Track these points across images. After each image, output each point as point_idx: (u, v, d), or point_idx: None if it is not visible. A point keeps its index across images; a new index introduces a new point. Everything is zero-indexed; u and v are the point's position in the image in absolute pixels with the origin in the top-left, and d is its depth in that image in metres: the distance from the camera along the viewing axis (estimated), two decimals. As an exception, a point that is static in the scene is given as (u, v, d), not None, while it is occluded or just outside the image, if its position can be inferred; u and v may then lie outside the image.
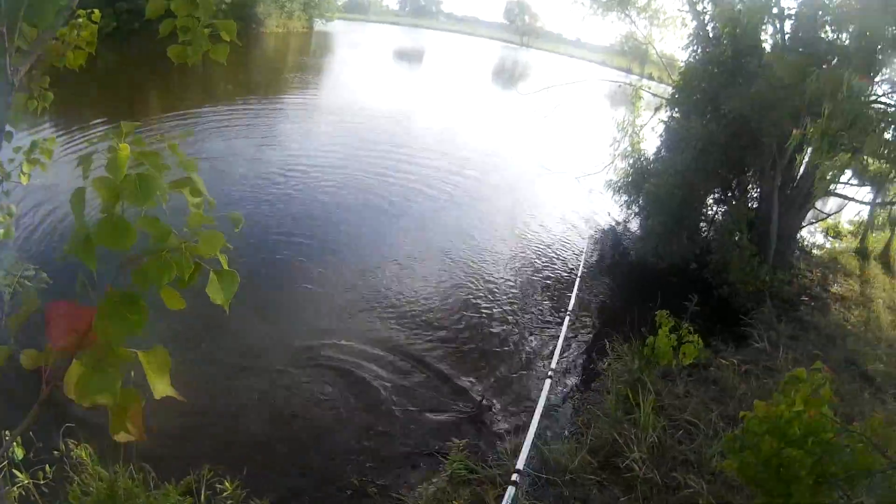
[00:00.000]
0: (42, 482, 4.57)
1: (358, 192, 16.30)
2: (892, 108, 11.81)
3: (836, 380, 9.67)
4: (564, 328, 9.08)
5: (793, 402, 3.65)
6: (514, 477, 5.33)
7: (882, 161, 11.08)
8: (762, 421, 3.66)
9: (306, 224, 13.25)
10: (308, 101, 28.50)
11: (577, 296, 11.05)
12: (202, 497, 5.03)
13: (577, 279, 11.85)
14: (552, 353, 9.67)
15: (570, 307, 10.35)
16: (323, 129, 22.81)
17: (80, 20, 3.98)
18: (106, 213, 1.63)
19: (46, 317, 1.70)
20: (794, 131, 10.57)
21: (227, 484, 5.00)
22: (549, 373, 7.26)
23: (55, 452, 4.84)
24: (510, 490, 5.40)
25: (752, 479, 3.87)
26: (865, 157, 9.88)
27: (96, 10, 3.94)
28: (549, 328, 10.90)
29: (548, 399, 8.64)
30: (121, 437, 1.74)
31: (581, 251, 13.66)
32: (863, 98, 9.89)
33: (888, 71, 13.00)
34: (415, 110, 31.27)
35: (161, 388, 1.75)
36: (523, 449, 5.86)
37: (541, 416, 8.10)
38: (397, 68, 55.68)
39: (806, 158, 14.70)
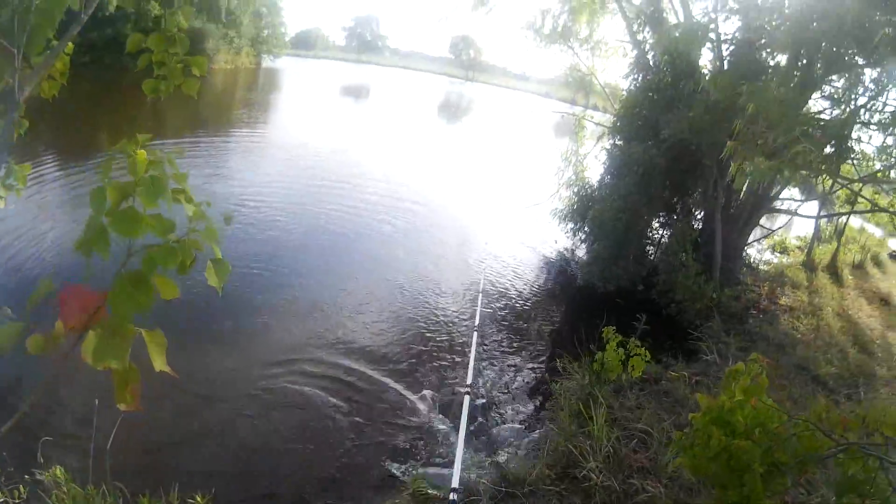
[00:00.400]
0: (17, 502, 4.59)
1: (308, 225, 16.31)
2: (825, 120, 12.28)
3: (788, 384, 10.07)
4: (474, 344, 9.20)
5: (733, 393, 3.82)
6: (452, 496, 5.43)
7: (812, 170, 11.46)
8: (706, 413, 3.81)
9: (258, 258, 13.19)
10: (256, 136, 28.44)
11: (480, 312, 11.15)
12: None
13: (480, 297, 11.90)
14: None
15: (476, 323, 10.47)
16: (272, 165, 22.71)
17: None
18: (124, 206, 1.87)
19: (60, 298, 1.89)
20: (728, 142, 11.01)
21: (198, 499, 5.06)
22: (466, 390, 7.35)
23: (26, 477, 4.84)
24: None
25: (705, 475, 3.92)
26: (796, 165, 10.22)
27: (70, 43, 4.08)
28: (500, 355, 11.10)
29: (502, 419, 8.87)
30: (123, 407, 1.98)
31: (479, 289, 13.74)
32: (792, 107, 10.33)
33: (827, 88, 13.57)
34: (362, 145, 31.38)
35: (159, 363, 2.01)
36: (455, 466, 5.94)
37: (496, 434, 8.33)
38: (344, 104, 55.84)
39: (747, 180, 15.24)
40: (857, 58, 11.34)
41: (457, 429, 8.03)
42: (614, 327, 8.22)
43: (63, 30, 2.79)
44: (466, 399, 6.82)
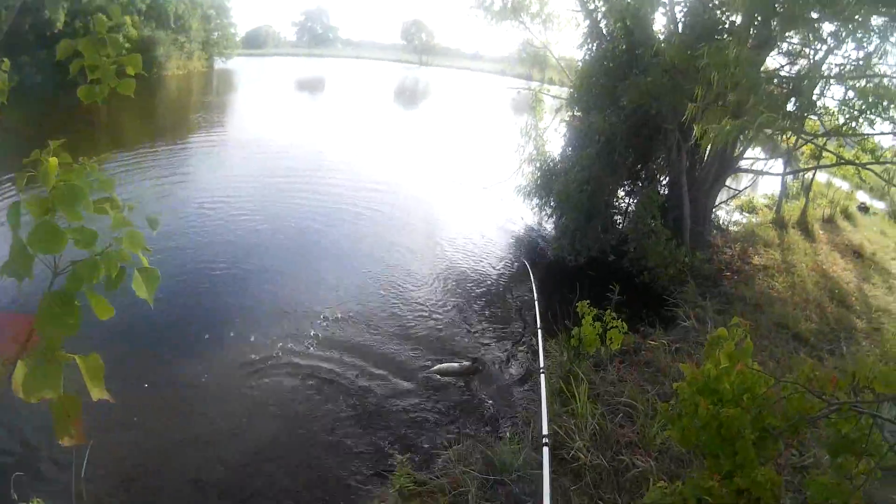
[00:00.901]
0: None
1: (272, 221, 16.18)
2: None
3: (769, 344, 10.03)
4: (541, 345, 9.01)
5: (718, 360, 3.72)
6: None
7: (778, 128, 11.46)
8: (691, 383, 3.70)
9: (225, 258, 13.05)
10: (214, 138, 28.12)
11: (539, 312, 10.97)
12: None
13: (535, 297, 11.73)
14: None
15: (538, 323, 10.25)
16: (232, 165, 22.58)
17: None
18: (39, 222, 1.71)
19: None
20: (689, 105, 10.93)
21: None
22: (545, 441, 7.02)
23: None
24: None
25: (695, 445, 3.84)
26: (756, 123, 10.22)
27: (6, 60, 3.88)
28: (483, 340, 10.95)
29: (485, 405, 8.74)
30: (65, 441, 1.87)
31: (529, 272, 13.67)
32: (749, 64, 10.26)
33: (784, 45, 13.53)
34: (321, 137, 31.43)
35: (96, 392, 1.87)
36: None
37: (478, 420, 8.19)
38: (300, 99, 55.47)
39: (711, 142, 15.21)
40: (812, 12, 11.27)
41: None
42: (588, 301, 8.11)
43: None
44: (546, 451, 6.63)
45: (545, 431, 3.98)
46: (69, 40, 2.78)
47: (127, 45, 2.94)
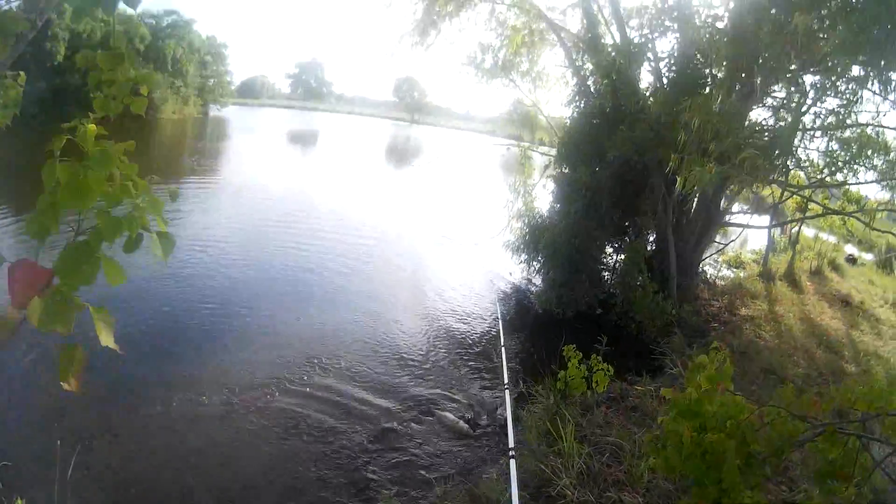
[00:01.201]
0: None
1: (263, 266, 16.52)
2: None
3: (756, 389, 10.10)
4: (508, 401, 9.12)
5: (698, 384, 3.81)
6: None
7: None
8: (673, 405, 3.78)
9: (215, 298, 13.30)
10: (207, 183, 28.40)
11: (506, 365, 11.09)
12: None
13: (502, 348, 11.88)
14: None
15: (505, 380, 10.37)
16: (224, 209, 22.85)
17: (7, 80, 4.07)
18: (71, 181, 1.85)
19: (9, 276, 1.87)
20: (672, 155, 11.17)
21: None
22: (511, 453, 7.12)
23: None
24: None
25: (680, 473, 3.88)
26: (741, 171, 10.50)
27: (22, 73, 4.02)
28: (464, 388, 11.01)
29: (476, 447, 8.80)
30: (66, 386, 1.97)
31: (496, 317, 13.84)
32: (735, 116, 10.53)
33: (769, 99, 13.87)
34: (312, 189, 31.78)
35: (105, 339, 1.99)
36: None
37: (467, 462, 8.25)
38: (293, 150, 56.03)
39: (697, 197, 15.48)
40: (792, 65, 11.61)
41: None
42: (574, 345, 8.24)
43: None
44: (513, 463, 6.62)
45: (511, 444, 3.91)
46: (89, 51, 2.93)
47: (107, 92, 3.09)
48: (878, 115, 12.40)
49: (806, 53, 10.93)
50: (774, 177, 13.01)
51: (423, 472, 8.01)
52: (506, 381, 7.93)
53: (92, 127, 2.04)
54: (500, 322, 12.48)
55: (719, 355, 3.68)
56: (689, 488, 3.74)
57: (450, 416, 9.50)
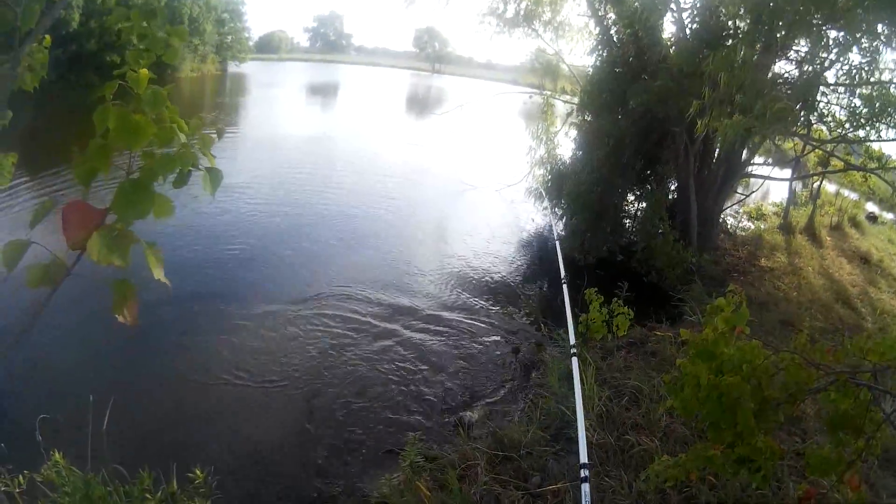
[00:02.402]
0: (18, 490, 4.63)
1: (293, 209, 17.39)
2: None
3: (774, 340, 10.17)
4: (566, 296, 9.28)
5: (716, 325, 3.87)
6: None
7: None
8: (691, 346, 3.83)
9: (246, 243, 14.08)
10: (229, 134, 28.60)
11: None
12: (174, 482, 5.14)
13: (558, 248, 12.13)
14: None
15: (562, 275, 10.55)
16: (247, 158, 23.28)
17: (33, 45, 4.15)
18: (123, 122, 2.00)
19: (63, 216, 1.99)
20: (694, 102, 11.17)
21: (197, 472, 5.11)
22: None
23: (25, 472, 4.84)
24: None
25: (696, 416, 3.94)
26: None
27: (47, 36, 4.11)
28: (489, 334, 11.22)
29: (495, 390, 9.02)
30: (120, 318, 2.15)
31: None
32: (758, 69, 10.48)
33: (791, 53, 13.74)
34: (335, 137, 31.92)
35: (157, 273, 2.18)
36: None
37: (491, 403, 8.46)
38: (313, 102, 55.90)
39: (718, 147, 15.45)
40: (817, 19, 11.48)
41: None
42: (596, 289, 8.36)
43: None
44: (575, 360, 6.70)
45: (573, 342, 3.89)
46: (123, 8, 3.07)
47: (141, 46, 3.21)
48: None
49: (827, 7, 10.81)
50: (796, 129, 12.95)
51: (447, 412, 8.30)
52: (563, 274, 7.92)
53: (144, 72, 2.17)
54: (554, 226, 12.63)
55: (735, 298, 3.74)
56: (706, 432, 3.81)
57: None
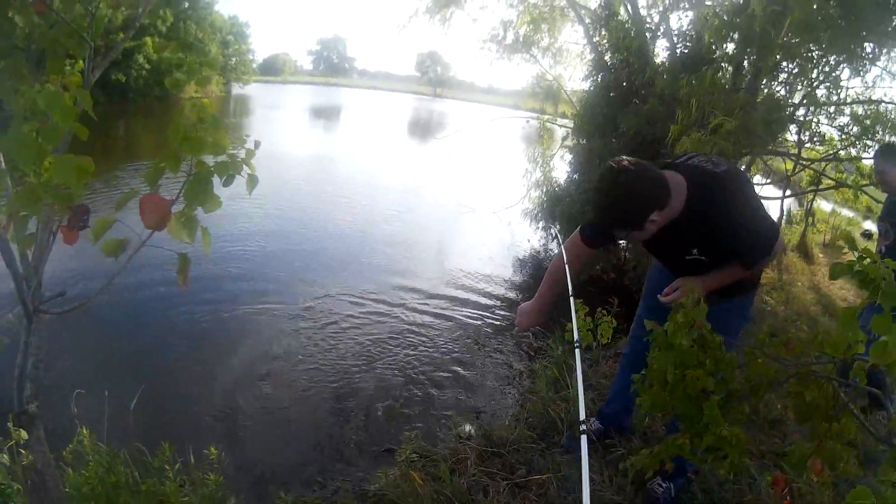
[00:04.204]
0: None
1: (295, 223, 18.55)
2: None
3: (764, 344, 10.43)
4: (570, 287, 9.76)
5: (676, 320, 4.12)
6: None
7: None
8: (653, 341, 4.05)
9: (244, 258, 14.82)
10: (233, 152, 29.43)
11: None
12: (191, 457, 5.62)
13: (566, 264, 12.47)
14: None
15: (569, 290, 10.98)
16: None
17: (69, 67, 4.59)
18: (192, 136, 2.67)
19: (141, 204, 2.67)
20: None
21: (211, 450, 5.55)
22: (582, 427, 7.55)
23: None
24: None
25: (665, 410, 3.80)
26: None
27: (80, 61, 4.49)
28: (484, 347, 11.68)
29: (489, 397, 9.49)
30: (180, 281, 2.93)
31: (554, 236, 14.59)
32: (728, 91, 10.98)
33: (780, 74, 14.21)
34: (337, 158, 32.67)
35: (207, 250, 2.88)
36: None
37: (484, 407, 8.91)
38: (316, 124, 56.54)
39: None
40: (804, 46, 11.98)
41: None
42: (581, 300, 8.79)
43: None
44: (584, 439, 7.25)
45: (582, 417, 3.91)
46: (164, 41, 3.68)
47: (147, 66, 3.80)
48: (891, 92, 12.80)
49: (813, 38, 11.31)
50: (772, 147, 13.46)
51: (441, 414, 8.80)
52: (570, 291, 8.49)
53: (207, 101, 2.85)
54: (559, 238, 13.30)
55: (695, 296, 3.93)
56: (678, 425, 3.97)
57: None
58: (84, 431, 5.11)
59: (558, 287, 5.41)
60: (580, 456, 3.03)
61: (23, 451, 4.26)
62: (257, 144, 3.13)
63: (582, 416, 3.19)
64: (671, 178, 4.10)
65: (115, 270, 2.99)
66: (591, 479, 6.04)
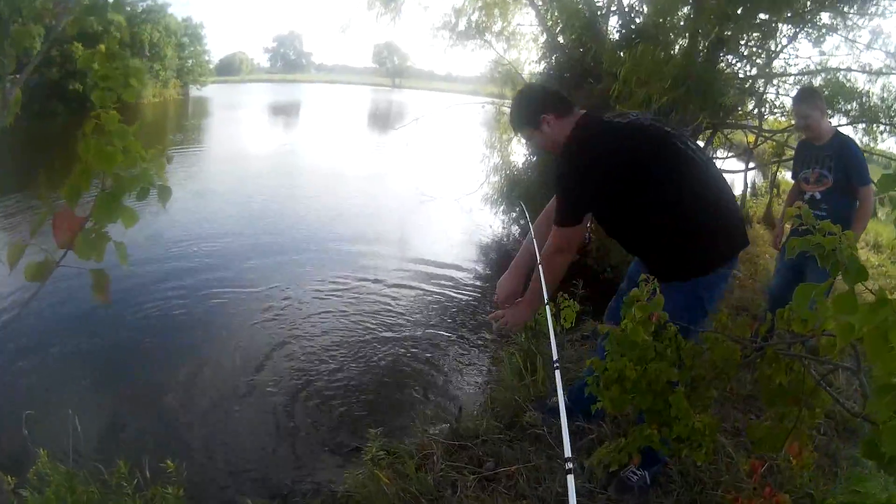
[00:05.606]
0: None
1: (258, 218, 18.53)
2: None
3: (729, 324, 10.44)
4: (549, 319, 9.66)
5: (633, 316, 3.94)
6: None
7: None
8: (610, 341, 3.84)
9: (205, 257, 14.80)
10: (192, 153, 29.54)
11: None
12: (147, 473, 5.45)
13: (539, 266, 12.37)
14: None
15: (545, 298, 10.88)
16: (212, 172, 25.22)
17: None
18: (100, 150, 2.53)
19: (53, 221, 2.53)
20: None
21: (168, 463, 5.40)
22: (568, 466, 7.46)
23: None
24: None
25: (628, 408, 3.71)
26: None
27: (18, 76, 4.34)
28: (447, 340, 11.56)
29: (456, 389, 9.39)
30: (98, 299, 2.70)
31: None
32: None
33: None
34: (296, 154, 32.91)
35: (123, 262, 2.64)
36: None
37: (450, 402, 8.80)
38: (275, 121, 56.40)
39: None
40: (760, 14, 11.97)
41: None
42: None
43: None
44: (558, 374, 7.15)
45: (555, 357, 4.13)
46: (89, 51, 3.50)
47: (103, 85, 3.64)
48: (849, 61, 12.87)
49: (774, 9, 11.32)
50: (732, 120, 13.47)
51: (406, 409, 8.67)
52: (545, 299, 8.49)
53: (114, 113, 2.70)
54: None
55: (650, 286, 3.83)
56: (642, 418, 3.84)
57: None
58: (42, 453, 4.97)
59: (533, 262, 5.50)
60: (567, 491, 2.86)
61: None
62: (169, 158, 3.00)
63: (567, 452, 3.04)
64: (578, 115, 4.76)
65: (30, 295, 2.86)
66: (561, 467, 5.98)
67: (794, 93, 13.16)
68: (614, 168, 4.51)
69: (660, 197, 4.53)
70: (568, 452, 3.13)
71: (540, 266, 5.15)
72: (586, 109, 4.88)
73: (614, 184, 4.55)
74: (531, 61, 20.94)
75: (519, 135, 5.51)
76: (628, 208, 4.70)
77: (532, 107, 4.75)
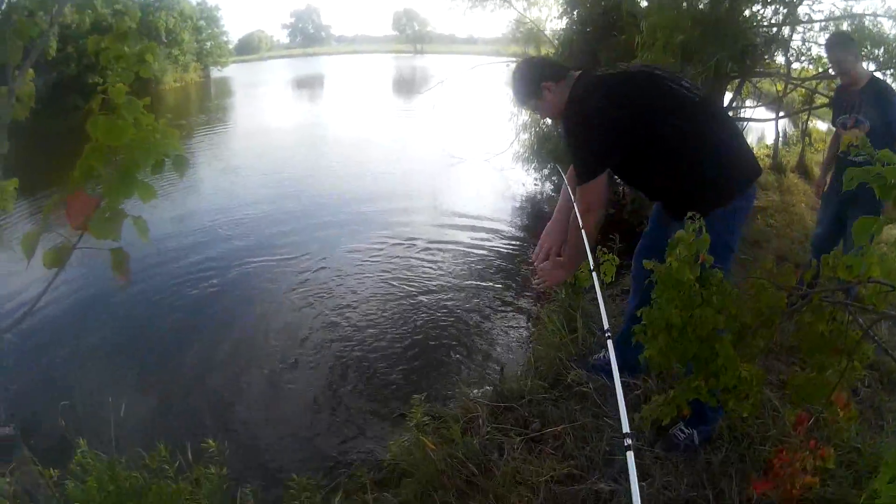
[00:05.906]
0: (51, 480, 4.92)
1: (295, 186, 19.03)
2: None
3: (772, 272, 10.26)
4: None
5: (678, 254, 3.82)
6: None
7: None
8: (658, 280, 3.72)
9: (237, 231, 14.97)
10: (218, 132, 29.75)
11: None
12: (189, 455, 5.44)
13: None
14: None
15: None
16: (238, 151, 25.21)
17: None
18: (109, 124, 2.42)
19: (67, 204, 2.50)
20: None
21: (210, 442, 5.39)
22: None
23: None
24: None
25: (671, 363, 3.61)
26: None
27: (31, 70, 4.31)
28: (485, 296, 11.41)
29: (498, 349, 9.31)
30: (118, 278, 2.66)
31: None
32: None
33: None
34: (323, 125, 33.14)
35: (144, 238, 2.57)
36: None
37: (493, 363, 8.71)
38: (300, 95, 56.41)
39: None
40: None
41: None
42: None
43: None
44: (610, 343, 6.92)
45: (605, 326, 4.02)
46: (98, 36, 3.38)
47: (118, 67, 3.54)
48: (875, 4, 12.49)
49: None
50: (760, 69, 13.17)
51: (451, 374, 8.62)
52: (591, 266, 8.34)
53: (121, 86, 2.58)
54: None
55: (695, 225, 3.71)
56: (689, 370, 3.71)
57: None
58: (82, 442, 4.96)
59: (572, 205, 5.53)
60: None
61: (10, 476, 4.11)
62: (182, 129, 2.90)
63: (625, 428, 2.88)
64: (574, 76, 4.89)
65: (51, 277, 2.76)
66: (608, 425, 5.89)
67: (821, 40, 12.90)
68: (614, 115, 4.62)
69: (659, 135, 4.65)
70: (626, 428, 2.83)
71: (581, 229, 5.09)
72: (581, 69, 5.03)
73: (617, 132, 4.66)
74: (552, 17, 20.58)
75: (526, 109, 5.96)
76: (635, 153, 4.80)
77: (531, 79, 4.95)
